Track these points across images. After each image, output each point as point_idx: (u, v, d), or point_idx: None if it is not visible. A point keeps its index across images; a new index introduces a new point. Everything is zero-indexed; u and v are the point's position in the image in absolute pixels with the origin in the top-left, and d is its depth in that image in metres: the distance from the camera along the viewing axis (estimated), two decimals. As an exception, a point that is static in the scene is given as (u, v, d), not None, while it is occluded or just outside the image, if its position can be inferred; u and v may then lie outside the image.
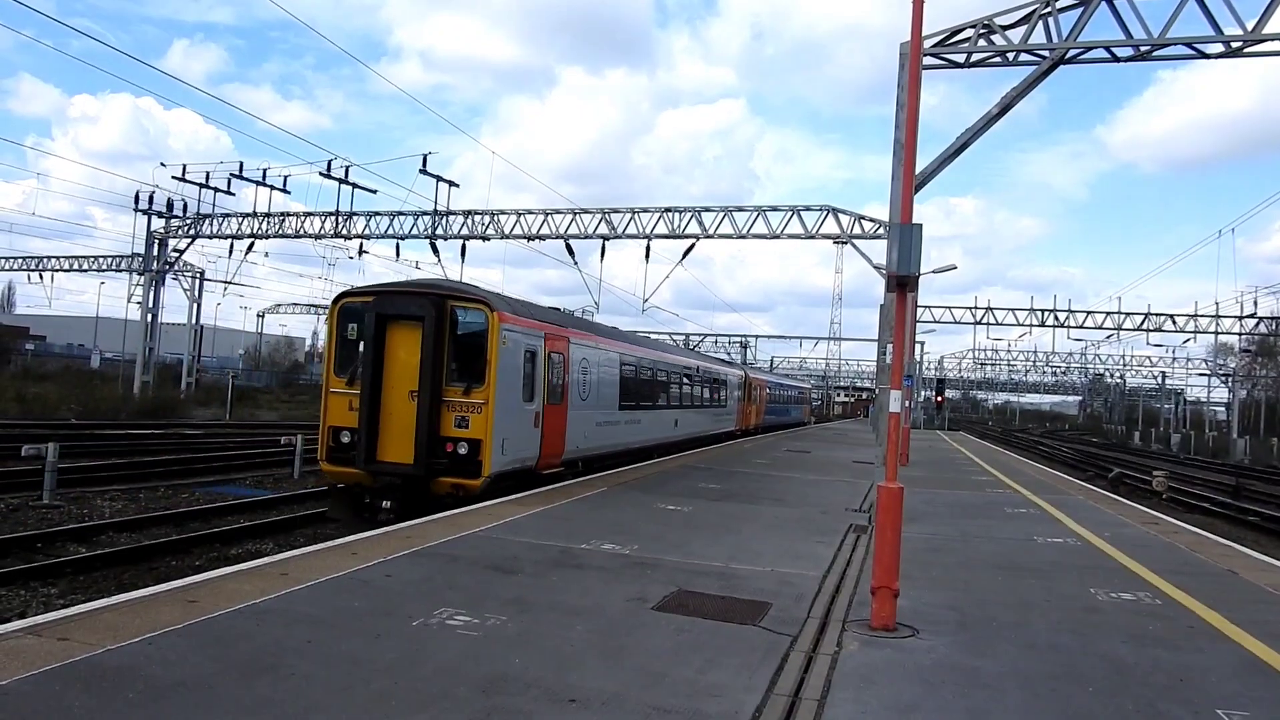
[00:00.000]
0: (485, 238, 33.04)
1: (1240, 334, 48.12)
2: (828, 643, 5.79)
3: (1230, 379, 64.60)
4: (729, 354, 76.12)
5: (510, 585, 6.76)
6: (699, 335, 74.17)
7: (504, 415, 11.28)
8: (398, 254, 35.01)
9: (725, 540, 9.30)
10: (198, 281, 41.30)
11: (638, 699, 4.60)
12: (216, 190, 34.80)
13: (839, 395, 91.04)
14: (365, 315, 11.10)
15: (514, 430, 11.63)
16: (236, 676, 4.54)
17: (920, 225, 6.29)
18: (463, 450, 11.00)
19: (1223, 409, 78.81)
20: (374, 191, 32.91)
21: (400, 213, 33.52)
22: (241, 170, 33.70)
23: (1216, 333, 44.89)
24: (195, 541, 11.18)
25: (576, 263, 32.87)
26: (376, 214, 34.11)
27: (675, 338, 74.15)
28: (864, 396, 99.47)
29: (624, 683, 4.82)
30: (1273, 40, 11.58)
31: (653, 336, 76.66)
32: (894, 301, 11.60)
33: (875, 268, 26.17)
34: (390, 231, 33.86)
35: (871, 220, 28.65)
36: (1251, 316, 42.89)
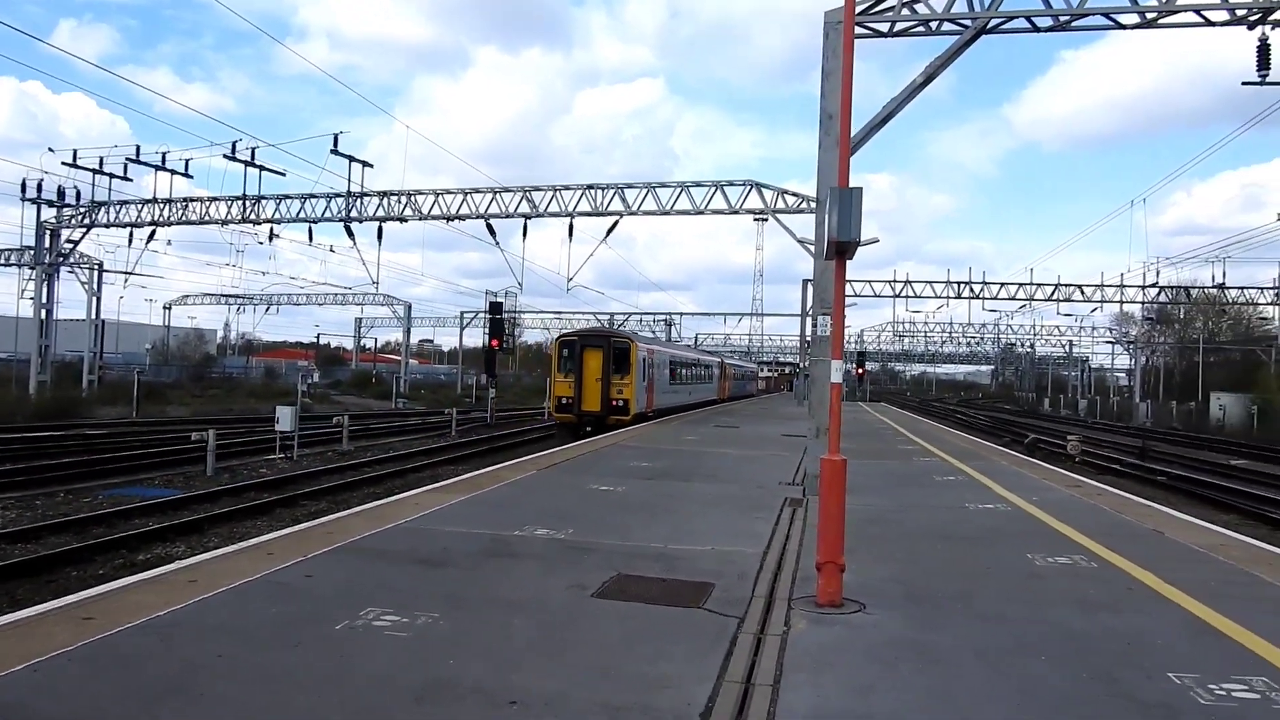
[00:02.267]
0: (402, 219, 32.05)
1: (1143, 303, 50.20)
2: (775, 622, 5.59)
3: (1133, 346, 67.51)
4: (654, 332, 76.24)
5: (441, 579, 6.38)
6: (624, 314, 73.93)
7: (636, 388, 25.93)
8: (310, 238, 33.75)
9: (662, 520, 9.07)
10: (96, 274, 39.13)
11: (584, 697, 4.30)
12: (112, 176, 32.86)
13: (762, 370, 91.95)
14: (574, 344, 26.03)
15: (638, 395, 26.21)
16: (139, 704, 4.08)
17: (860, 189, 6.09)
18: (621, 404, 25.56)
19: (1125, 375, 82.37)
20: (283, 174, 31.57)
21: (312, 195, 32.26)
22: (139, 155, 31.88)
23: (1121, 302, 46.70)
24: (98, 548, 10.45)
25: (498, 243, 32.19)
26: (287, 197, 32.76)
27: (600, 317, 73.81)
28: (786, 371, 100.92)
29: (568, 680, 4.52)
30: (1185, 10, 11.77)
31: (578, 317, 76.38)
32: (825, 272, 11.50)
33: (800, 241, 26.26)
34: (302, 215, 32.57)
35: (794, 194, 28.70)
36: (1153, 286, 44.69)
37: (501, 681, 4.46)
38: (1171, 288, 46.08)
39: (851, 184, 6.45)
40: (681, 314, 75.50)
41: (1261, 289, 45.62)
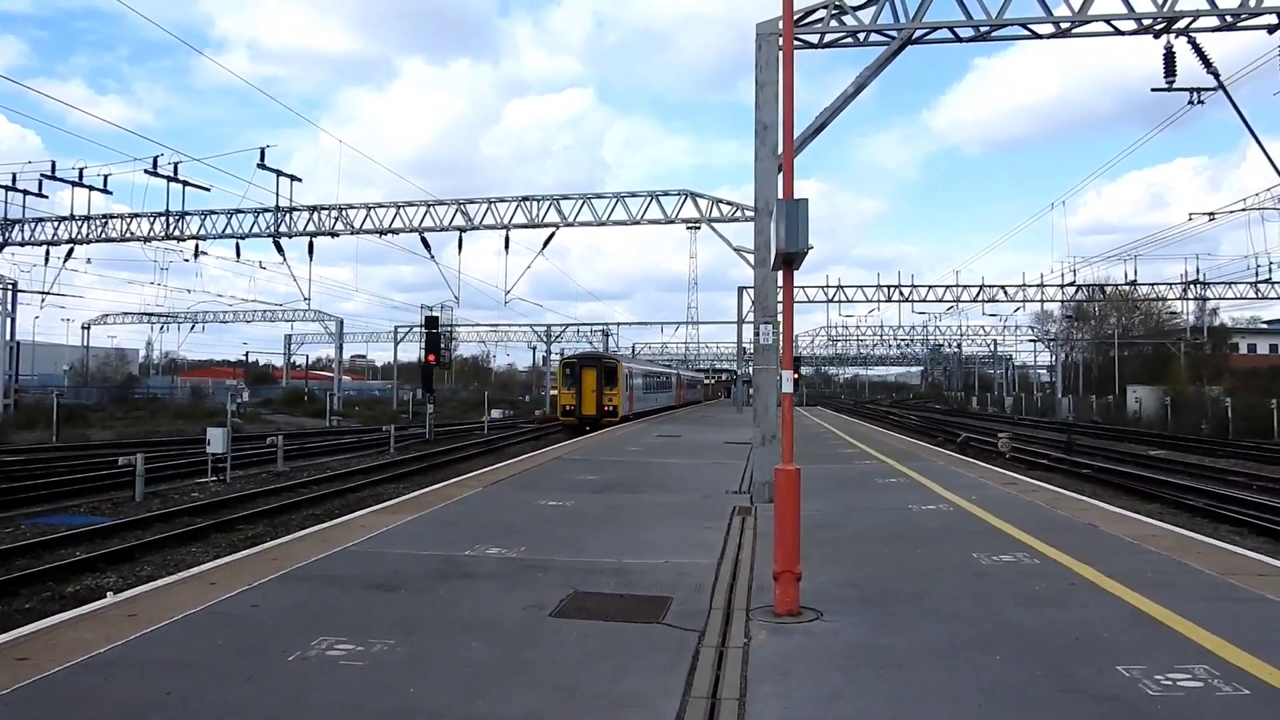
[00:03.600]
0: (334, 234, 31.42)
1: (1062, 302, 51.97)
2: (735, 634, 5.59)
3: (1053, 343, 69.82)
4: (591, 343, 76.42)
5: (394, 604, 6.23)
6: (560, 325, 74.09)
7: (623, 397, 34.94)
8: (238, 254, 32.92)
9: (614, 534, 9.03)
10: (10, 293, 37.46)
11: (552, 719, 4.23)
12: (26, 193, 31.55)
13: (701, 379, 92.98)
14: (575, 364, 36.06)
15: (624, 402, 35.10)
16: (81, 747, 3.87)
17: (806, 200, 6.15)
18: (612, 409, 34.46)
19: (1047, 372, 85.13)
20: (207, 189, 30.81)
21: (239, 211, 31.43)
22: (54, 171, 30.66)
23: (1042, 301, 48.28)
24: (23, 581, 9.95)
25: (433, 256, 31.86)
26: (212, 213, 31.85)
27: (537, 329, 73.58)
28: (723, 378, 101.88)
29: (534, 704, 4.44)
30: (1097, 20, 12.26)
31: (515, 329, 75.63)
32: (766, 281, 11.62)
33: (736, 250, 26.49)
34: (229, 231, 31.69)
35: (728, 203, 28.97)
36: (1071, 285, 46.35)
37: (466, 708, 4.36)
38: (1088, 286, 47.85)
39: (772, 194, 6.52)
40: (619, 324, 75.57)
41: (1170, 284, 47.59)
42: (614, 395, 35.37)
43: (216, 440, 18.67)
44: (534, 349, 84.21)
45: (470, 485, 12.95)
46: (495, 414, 55.36)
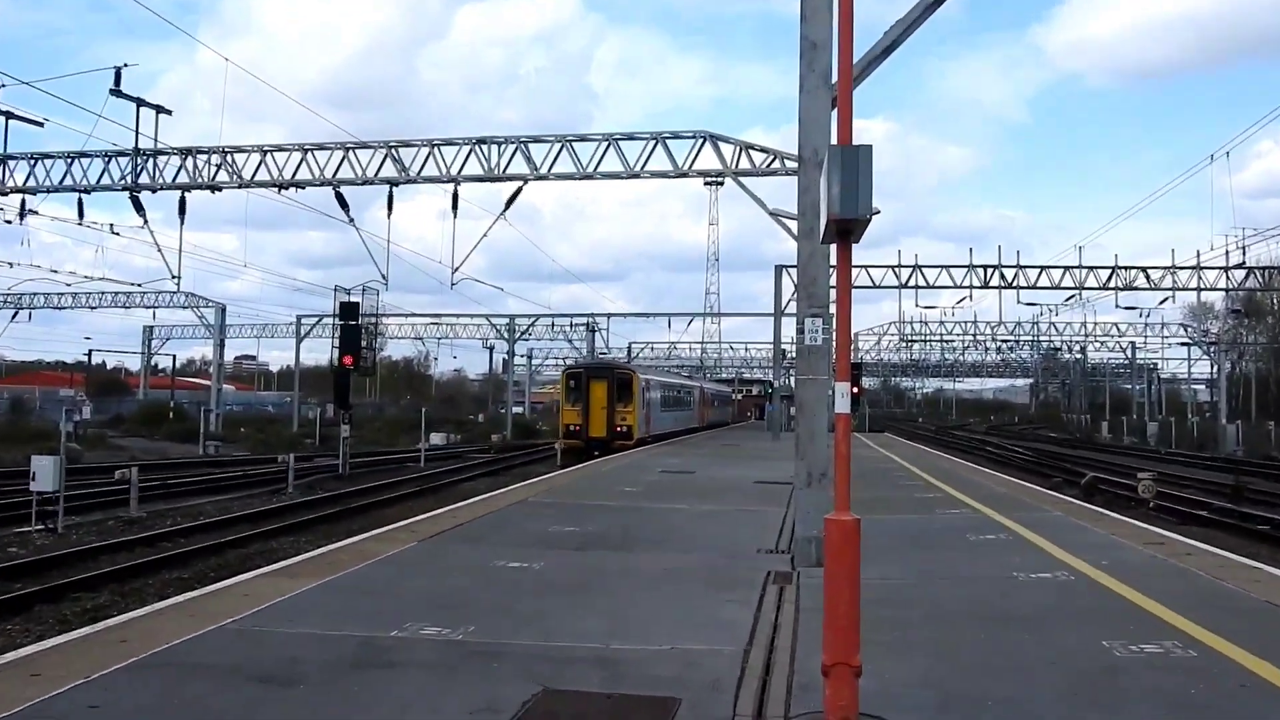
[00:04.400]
0: (215, 187, 31.55)
1: (1227, 290, 51.82)
2: (768, 752, 5.57)
3: (1214, 349, 69.50)
4: (569, 342, 76.81)
5: (289, 707, 6.21)
6: (528, 316, 74.10)
7: (638, 415, 40.63)
8: (80, 214, 32.79)
9: (598, 607, 9.04)
10: None
11: None
12: None
13: (729, 393, 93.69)
14: (581, 375, 41.72)
15: (640, 421, 41.06)
16: None
17: (870, 148, 6.15)
18: (625, 429, 39.88)
19: (1205, 388, 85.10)
20: (39, 124, 30.88)
21: (83, 154, 31.48)
22: None
23: (1199, 289, 48.06)
24: None
25: (352, 219, 31.96)
26: (46, 157, 31.93)
27: (496, 321, 73.71)
28: (754, 392, 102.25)
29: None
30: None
31: (466, 321, 75.96)
32: (814, 258, 11.63)
33: (772, 214, 26.58)
34: (69, 182, 31.77)
35: (762, 150, 29.06)
36: (1240, 267, 45.97)
37: None
38: (1263, 269, 47.89)
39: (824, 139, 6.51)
40: (609, 315, 75.74)
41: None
42: (628, 413, 40.13)
43: (45, 474, 18.63)
44: (491, 349, 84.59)
45: (399, 539, 12.97)
46: (436, 439, 55.56)
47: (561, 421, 41.81)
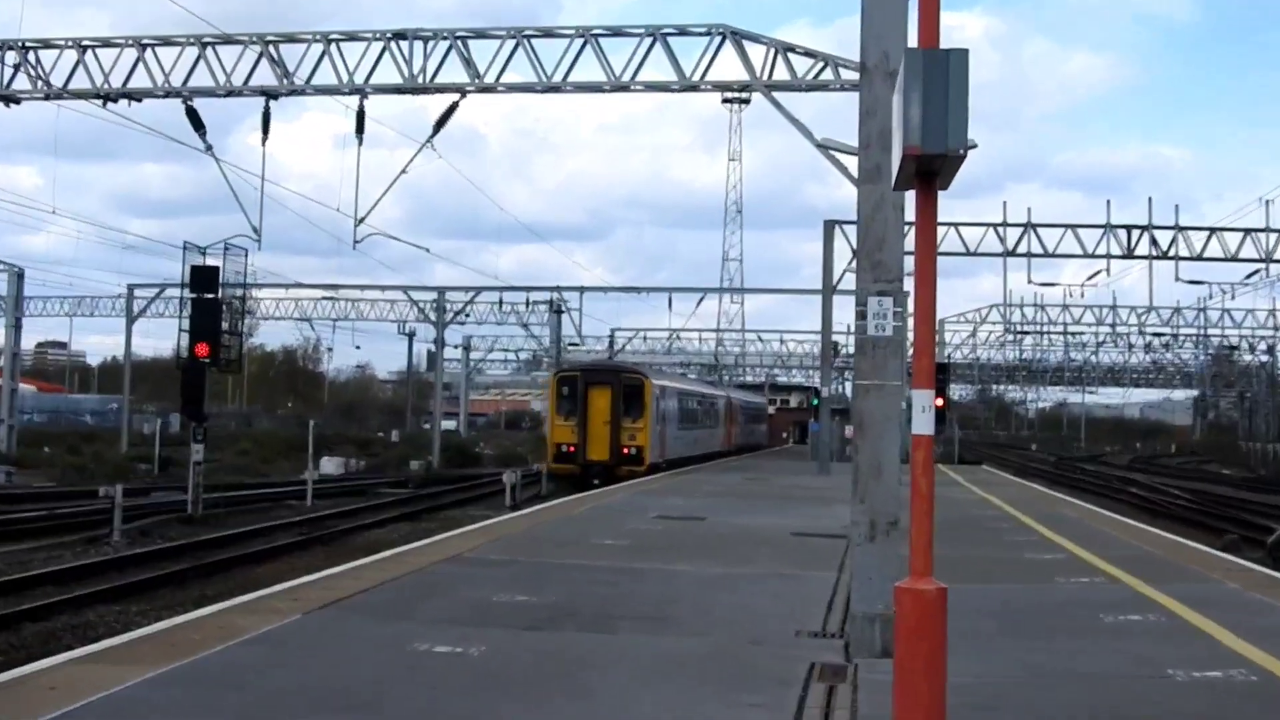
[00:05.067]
0: (10, 99, 31.48)
1: None
2: None
3: None
4: (526, 327, 76.85)
5: None
6: (464, 290, 73.59)
7: (651, 432, 44.63)
8: None
9: (563, 716, 9.06)
10: None
11: None
12: None
13: (764, 405, 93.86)
14: (576, 381, 44.64)
15: (653, 440, 44.91)
16: None
17: (965, 53, 6.22)
18: (634, 451, 43.60)
19: None
20: None
21: None
22: None
23: None
24: None
25: (210, 146, 31.92)
26: None
27: (420, 296, 73.47)
28: (790, 403, 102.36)
29: None
30: None
31: (375, 294, 76.21)
32: (880, 210, 11.64)
33: (820, 146, 26.63)
34: None
35: (804, 53, 29.05)
36: None
37: None
38: None
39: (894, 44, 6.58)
40: (582, 289, 75.06)
41: None
42: (638, 429, 43.55)
43: None
44: (411, 336, 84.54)
45: (277, 609, 12.94)
46: (330, 465, 55.39)
47: (551, 440, 45.10)
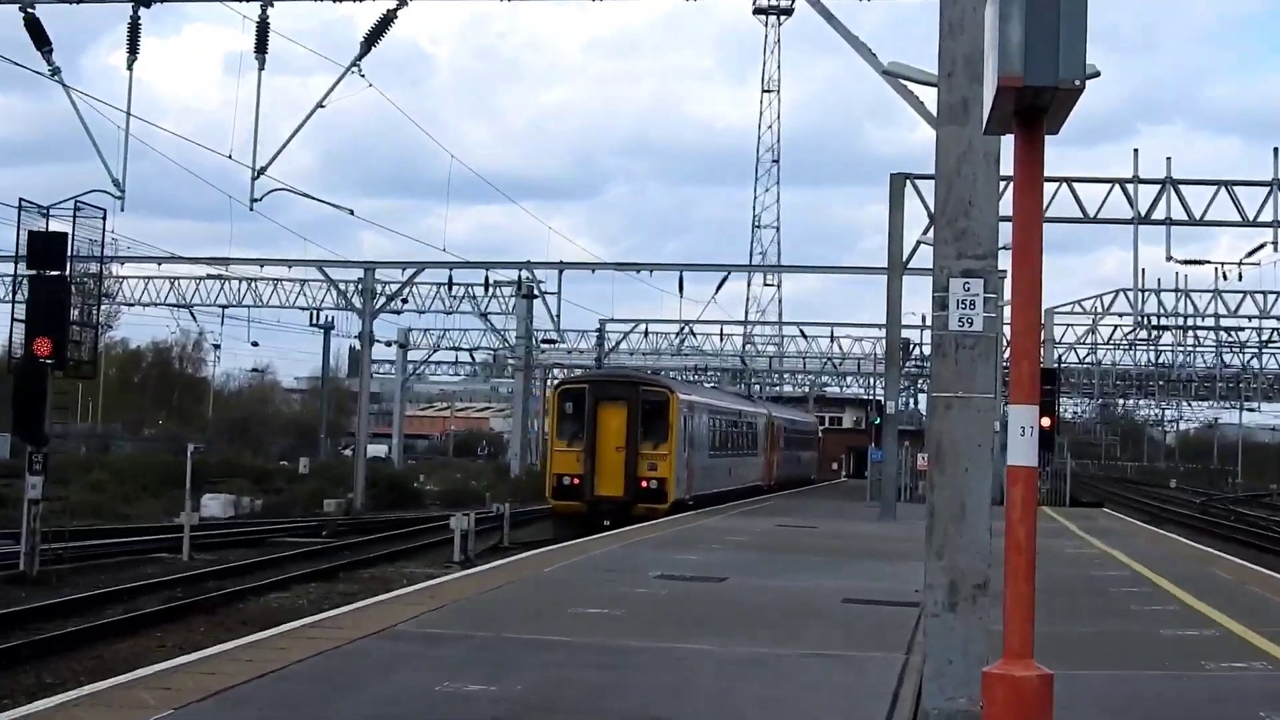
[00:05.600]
0: None
1: None
2: None
3: None
4: (485, 317, 76.77)
5: None
6: (400, 266, 73.31)
7: (676, 461, 46.84)
8: None
9: None
10: None
11: None
12: None
13: (814, 427, 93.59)
14: (582, 395, 47.20)
15: (679, 472, 47.16)
16: None
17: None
18: (654, 485, 45.75)
19: None
20: None
21: None
22: None
23: None
24: None
25: (56, 70, 31.86)
26: None
27: (337, 274, 73.36)
28: (843, 422, 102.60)
29: None
30: None
31: (279, 271, 76.33)
32: (969, 158, 11.62)
33: (889, 75, 26.69)
34: None
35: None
36: None
37: None
38: None
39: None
40: (561, 265, 74.71)
41: None
42: (661, 458, 45.38)
43: None
44: (327, 329, 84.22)
45: (140, 703, 12.88)
46: (215, 505, 55.11)
47: (550, 470, 46.82)
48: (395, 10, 30.62)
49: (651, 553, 30.24)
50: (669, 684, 14.79)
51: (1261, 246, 51.76)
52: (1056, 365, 77.69)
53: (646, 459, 44.05)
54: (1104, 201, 48.88)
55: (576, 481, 43.68)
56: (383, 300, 70.61)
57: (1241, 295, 77.98)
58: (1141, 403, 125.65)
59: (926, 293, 12.57)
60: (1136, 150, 50.43)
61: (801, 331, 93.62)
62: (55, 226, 33.61)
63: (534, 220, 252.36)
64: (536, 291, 73.08)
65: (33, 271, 32.89)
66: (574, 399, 45.62)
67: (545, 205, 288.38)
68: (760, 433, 68.05)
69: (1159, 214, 48.47)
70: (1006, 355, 8.94)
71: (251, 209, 34.47)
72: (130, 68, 32.68)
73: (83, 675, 18.04)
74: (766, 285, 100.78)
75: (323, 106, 32.90)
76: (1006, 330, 11.04)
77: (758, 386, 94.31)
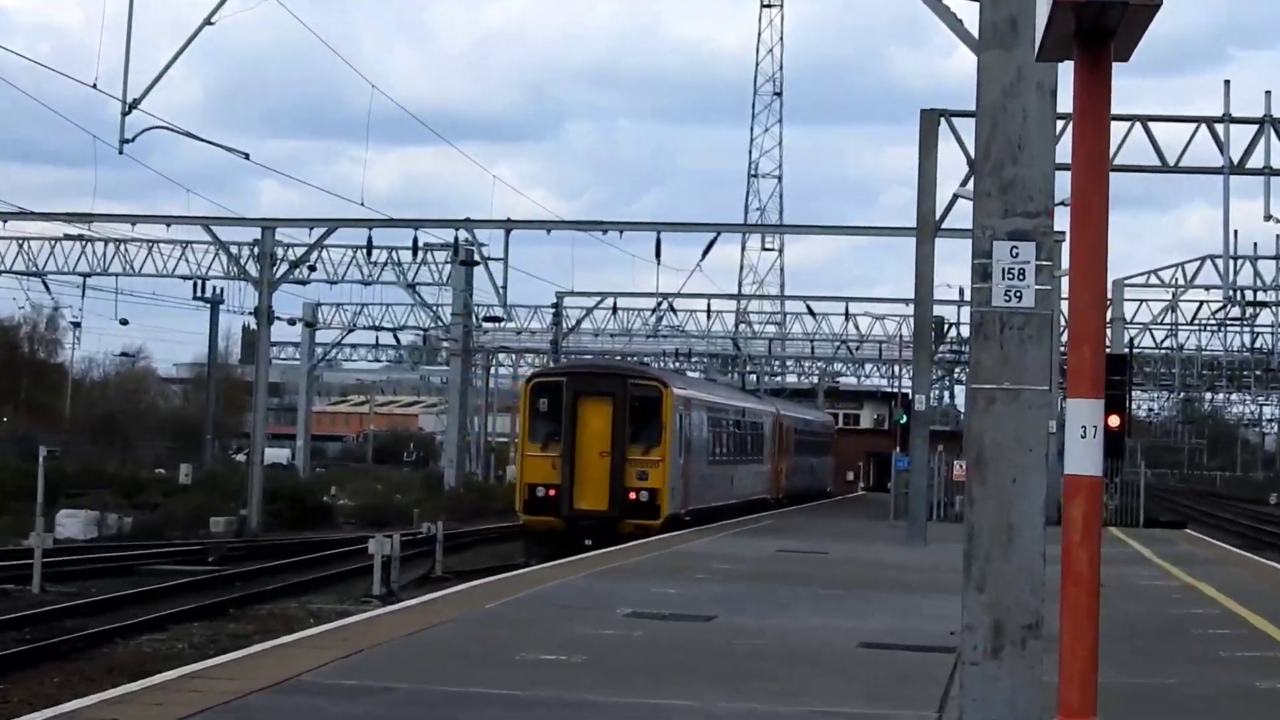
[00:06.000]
0: None
1: None
2: None
3: None
4: (413, 288, 76.75)
5: None
6: (312, 224, 73.54)
7: (671, 468, 49.20)
8: None
9: None
10: None
11: None
12: None
13: (831, 426, 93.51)
14: (558, 389, 49.33)
15: (673, 481, 49.37)
16: None
17: None
18: (645, 498, 47.91)
19: None
20: None
21: None
22: None
23: None
24: None
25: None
26: None
27: (234, 243, 73.50)
28: (859, 421, 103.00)
29: None
30: None
31: (148, 228, 76.58)
32: (1021, 87, 11.67)
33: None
34: None
35: None
36: None
37: None
38: None
39: None
40: (508, 223, 74.80)
41: None
42: (653, 464, 46.59)
43: None
44: (215, 301, 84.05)
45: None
46: (73, 524, 55.01)
47: (521, 479, 47.92)
48: (300, -97, 30.65)
49: (623, 583, 30.24)
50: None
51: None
52: (1127, 350, 77.93)
53: (636, 466, 44.92)
54: (1187, 146, 49.21)
55: (552, 493, 44.48)
56: (285, 267, 70.80)
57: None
58: (1233, 397, 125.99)
59: (965, 259, 12.61)
60: (1228, 82, 50.61)
61: (809, 307, 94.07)
62: None
63: (475, 168, 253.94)
64: (478, 257, 73.05)
65: None
66: (549, 394, 46.37)
67: (490, 149, 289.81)
68: (767, 435, 69.03)
69: (1255, 161, 48.73)
70: (1064, 338, 8.97)
71: (121, 152, 34.61)
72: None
73: None
74: (765, 250, 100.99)
75: (211, 24, 32.94)
76: (1064, 307, 11.09)
77: (754, 377, 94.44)
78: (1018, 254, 11.35)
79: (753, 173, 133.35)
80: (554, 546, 40.56)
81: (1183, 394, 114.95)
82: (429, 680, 18.36)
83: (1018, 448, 11.70)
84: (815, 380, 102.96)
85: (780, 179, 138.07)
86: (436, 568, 41.88)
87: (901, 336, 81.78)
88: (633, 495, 44.45)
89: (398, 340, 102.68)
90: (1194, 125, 48.94)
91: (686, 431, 48.75)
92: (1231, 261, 77.41)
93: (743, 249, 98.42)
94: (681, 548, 40.96)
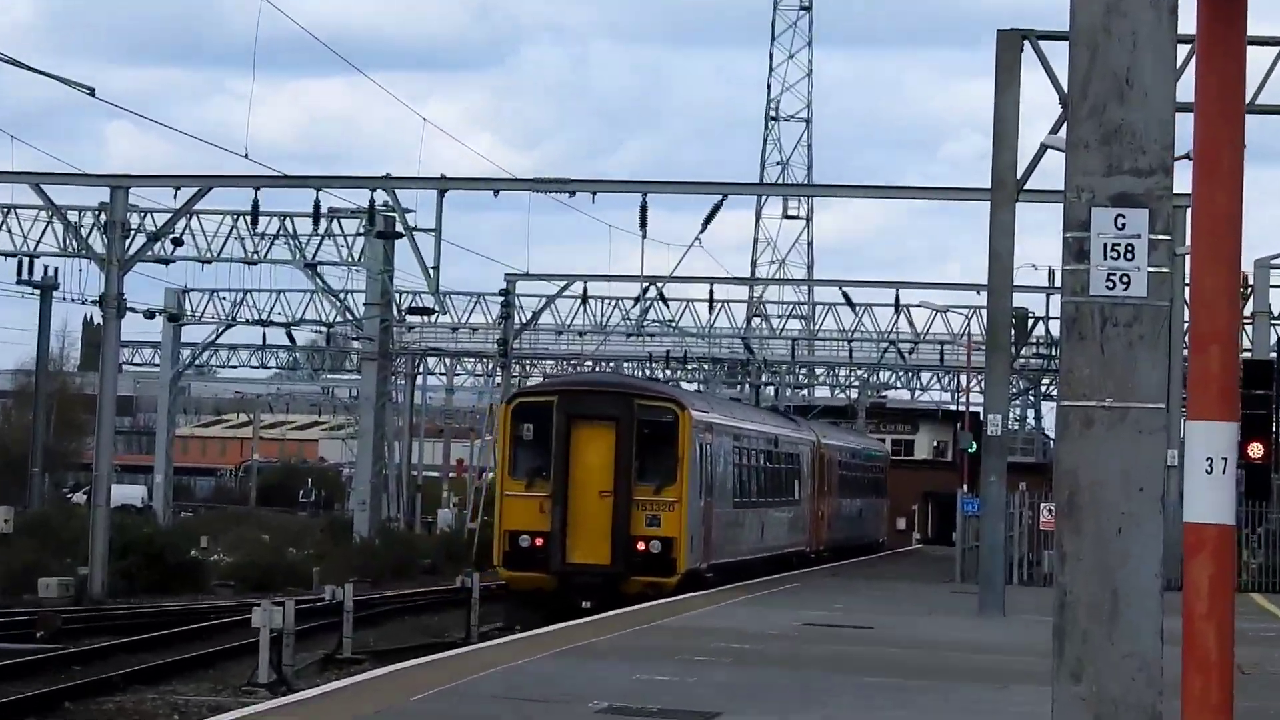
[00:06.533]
0: None
1: None
2: None
3: None
4: (313, 264, 76.84)
5: None
6: (179, 182, 73.84)
7: (689, 511, 51.91)
8: None
9: None
10: None
11: None
12: None
13: (884, 455, 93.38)
14: (546, 412, 52.36)
15: (692, 528, 52.78)
16: None
17: None
18: (657, 548, 51.14)
19: None
20: None
21: None
22: None
23: None
24: None
25: None
26: None
27: (72, 201, 73.78)
28: (914, 451, 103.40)
29: None
30: None
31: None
32: (1136, 14, 11.74)
33: None
34: None
35: None
36: None
37: None
38: None
39: None
40: (444, 182, 75.15)
41: None
42: (668, 505, 47.29)
43: None
44: (48, 286, 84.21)
45: None
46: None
47: (500, 525, 48.39)
48: None
49: (599, 667, 30.16)
50: None
51: None
52: (1275, 355, 78.08)
53: (645, 510, 44.94)
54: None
55: (539, 543, 44.69)
56: (141, 241, 70.09)
57: None
58: None
59: (1055, 230, 12.67)
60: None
61: (846, 296, 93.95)
62: None
63: (398, 107, 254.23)
64: (400, 227, 72.63)
65: None
66: (535, 418, 46.46)
67: (419, 82, 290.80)
68: (805, 469, 69.74)
69: None
70: (1186, 338, 9.02)
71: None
72: None
73: None
74: (788, 218, 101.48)
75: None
76: (1186, 295, 11.16)
77: (771, 390, 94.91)
78: (1125, 225, 11.34)
79: (772, 114, 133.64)
80: (543, 610, 40.84)
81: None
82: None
83: (1124, 486, 11.70)
84: (854, 394, 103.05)
85: (809, 123, 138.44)
86: (344, 646, 41.78)
87: (970, 335, 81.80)
88: (641, 546, 44.63)
89: (292, 339, 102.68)
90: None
91: (708, 466, 48.80)
92: None
93: (758, 218, 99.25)
94: (683, 618, 40.97)
